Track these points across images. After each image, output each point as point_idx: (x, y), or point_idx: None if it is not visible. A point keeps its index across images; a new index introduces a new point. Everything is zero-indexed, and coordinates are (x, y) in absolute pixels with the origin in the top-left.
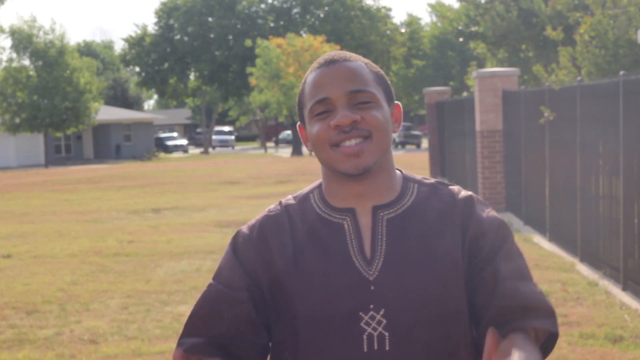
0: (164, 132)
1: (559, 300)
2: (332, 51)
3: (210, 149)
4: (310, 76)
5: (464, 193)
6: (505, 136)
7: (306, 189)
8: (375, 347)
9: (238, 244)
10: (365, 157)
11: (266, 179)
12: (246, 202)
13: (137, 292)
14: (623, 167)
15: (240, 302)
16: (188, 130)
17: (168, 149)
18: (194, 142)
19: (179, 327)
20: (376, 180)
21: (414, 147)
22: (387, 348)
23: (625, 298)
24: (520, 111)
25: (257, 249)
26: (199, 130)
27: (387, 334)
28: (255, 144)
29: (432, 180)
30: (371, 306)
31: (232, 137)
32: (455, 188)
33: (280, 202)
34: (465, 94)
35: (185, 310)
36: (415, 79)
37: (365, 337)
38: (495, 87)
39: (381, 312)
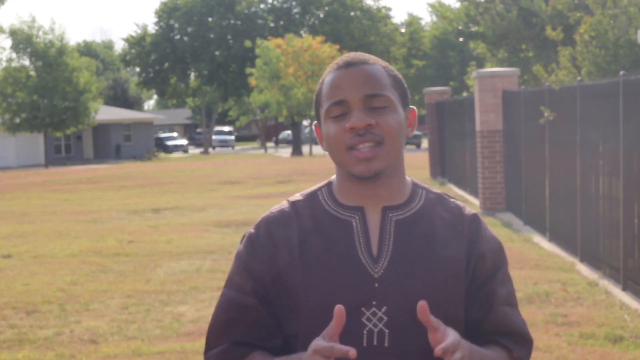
0: (164, 132)
1: (559, 300)
2: (352, 53)
3: (210, 149)
4: (328, 77)
5: (469, 210)
6: (505, 136)
7: (314, 187)
8: (375, 343)
9: (244, 246)
10: (376, 162)
11: (266, 179)
12: (246, 202)
13: (137, 292)
14: (623, 167)
15: (251, 306)
16: (188, 130)
17: (168, 149)
18: (194, 142)
19: (179, 327)
20: (387, 183)
21: (414, 147)
22: (385, 345)
23: (625, 298)
24: (520, 111)
25: (262, 246)
26: (199, 130)
27: (387, 331)
28: (255, 144)
29: (439, 191)
30: (374, 303)
31: (232, 137)
32: (460, 203)
33: (288, 200)
34: (465, 94)
35: (185, 310)
36: (416, 79)
37: (365, 332)
38: (495, 87)
39: (383, 310)
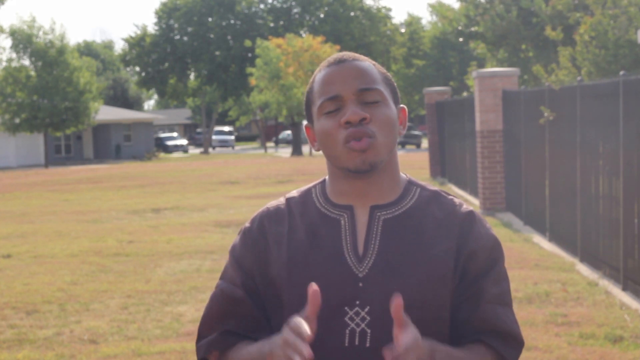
0: (164, 132)
1: (559, 300)
2: (342, 52)
3: (210, 149)
4: (319, 74)
5: (465, 207)
6: (505, 136)
7: (310, 184)
8: (357, 343)
9: (238, 240)
10: (371, 154)
11: (266, 179)
12: (246, 202)
13: (137, 292)
14: (623, 167)
15: (240, 299)
16: (188, 130)
17: (168, 149)
18: (194, 142)
19: (179, 327)
20: (379, 179)
21: (414, 147)
22: (367, 345)
23: (625, 298)
24: (520, 111)
25: (254, 240)
26: (199, 130)
27: (369, 330)
28: (255, 144)
29: (436, 188)
30: (357, 302)
31: (232, 137)
32: (457, 200)
33: (285, 196)
34: (465, 94)
35: (185, 310)
36: (415, 79)
37: (347, 331)
38: (495, 87)
39: (366, 309)
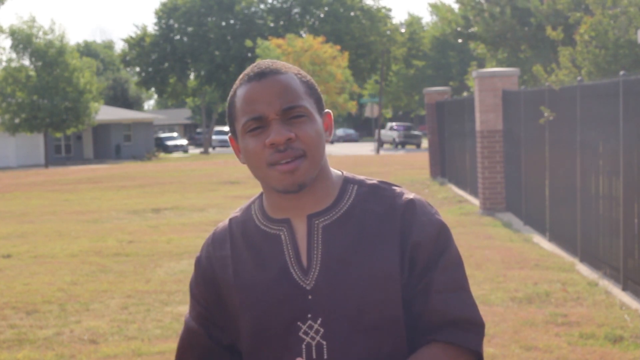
0: (164, 132)
1: (559, 300)
2: (262, 61)
3: (210, 149)
4: (240, 90)
5: (405, 196)
6: (505, 136)
7: (251, 199)
8: (314, 356)
9: (193, 271)
10: (300, 175)
11: None
12: (246, 202)
13: (137, 292)
14: (623, 167)
15: (195, 331)
16: (188, 130)
17: (168, 149)
18: (194, 142)
19: (179, 327)
20: (312, 188)
21: (414, 147)
22: (325, 357)
23: (625, 298)
24: (520, 111)
25: (203, 269)
26: (199, 130)
27: (324, 342)
28: None
29: (375, 181)
30: (309, 315)
31: None
32: (397, 190)
33: (230, 217)
34: (465, 94)
35: (185, 310)
36: (415, 79)
37: (304, 346)
38: (495, 87)
39: (319, 321)
